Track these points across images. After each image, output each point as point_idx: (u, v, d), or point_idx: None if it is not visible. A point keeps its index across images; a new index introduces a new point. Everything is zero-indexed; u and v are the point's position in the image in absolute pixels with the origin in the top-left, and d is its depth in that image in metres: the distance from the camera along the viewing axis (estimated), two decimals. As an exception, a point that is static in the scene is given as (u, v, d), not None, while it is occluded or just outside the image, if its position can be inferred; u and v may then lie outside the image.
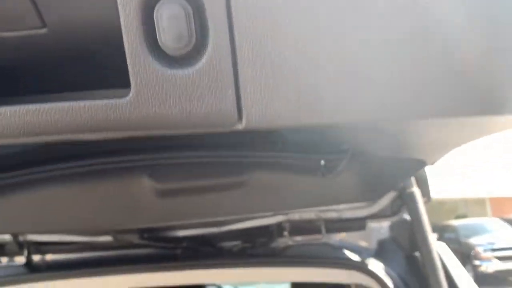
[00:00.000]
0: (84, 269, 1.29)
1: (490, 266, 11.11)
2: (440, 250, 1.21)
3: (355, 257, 1.24)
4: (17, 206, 1.22)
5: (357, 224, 1.30)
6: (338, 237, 1.32)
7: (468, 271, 9.61)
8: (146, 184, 1.17)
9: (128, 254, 1.36)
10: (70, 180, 1.18)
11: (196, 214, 1.20)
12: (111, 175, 1.18)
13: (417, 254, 1.22)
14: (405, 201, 1.16)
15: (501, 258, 11.02)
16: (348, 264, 1.23)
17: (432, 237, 1.13)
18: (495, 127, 0.57)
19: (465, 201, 20.98)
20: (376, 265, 1.21)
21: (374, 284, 1.20)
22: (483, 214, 18.45)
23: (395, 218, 1.29)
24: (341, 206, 1.20)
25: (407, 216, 1.25)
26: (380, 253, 1.28)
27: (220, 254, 1.32)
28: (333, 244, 1.30)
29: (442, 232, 13.56)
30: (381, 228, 1.33)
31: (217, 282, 1.37)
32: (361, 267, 1.21)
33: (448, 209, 21.16)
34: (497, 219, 13.87)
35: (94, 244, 1.36)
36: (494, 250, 11.20)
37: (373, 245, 1.31)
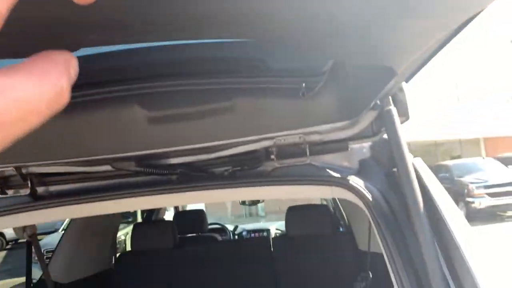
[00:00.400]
0: (85, 196, 1.38)
1: (482, 202, 11.48)
2: (417, 166, 1.29)
3: (337, 175, 1.33)
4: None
5: (340, 146, 1.38)
6: (322, 159, 1.40)
7: (460, 208, 9.91)
8: (138, 112, 1.23)
9: (127, 182, 1.45)
10: (64, 111, 1.24)
11: (187, 140, 1.27)
12: (104, 105, 1.24)
13: (395, 170, 1.30)
14: (383, 120, 1.23)
15: (492, 195, 11.37)
16: (330, 181, 1.32)
17: (408, 154, 1.21)
18: (458, 16, 0.60)
19: (460, 142, 21.26)
20: (356, 181, 1.30)
21: (355, 198, 1.29)
22: (478, 154, 18.73)
23: (375, 138, 1.36)
24: (324, 128, 1.27)
25: (386, 136, 1.32)
26: (361, 171, 1.37)
27: (212, 178, 1.41)
28: (317, 165, 1.38)
29: (436, 172, 13.87)
30: (363, 148, 1.41)
31: (211, 201, 1.46)
32: (343, 183, 1.30)
33: (444, 151, 21.49)
34: (490, 158, 14.14)
35: (94, 174, 1.45)
36: (486, 187, 11.53)
37: (355, 164, 1.40)
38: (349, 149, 1.40)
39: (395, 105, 1.21)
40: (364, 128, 1.33)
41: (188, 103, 1.22)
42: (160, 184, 1.39)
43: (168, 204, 1.44)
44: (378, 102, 1.19)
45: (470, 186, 11.73)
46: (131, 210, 1.48)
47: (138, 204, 1.41)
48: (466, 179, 12.12)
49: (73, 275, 2.51)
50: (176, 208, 4.28)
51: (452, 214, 1.21)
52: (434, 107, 19.59)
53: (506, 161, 13.74)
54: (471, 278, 1.08)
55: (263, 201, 4.94)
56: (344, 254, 2.63)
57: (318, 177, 1.33)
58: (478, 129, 19.75)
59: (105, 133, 1.27)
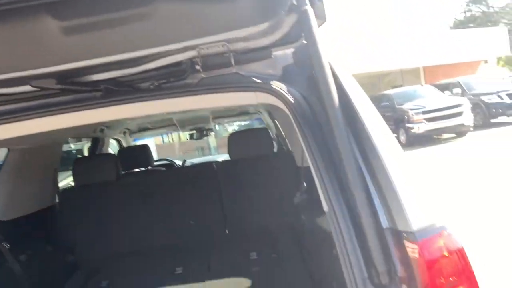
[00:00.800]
0: (5, 116, 1.34)
1: (421, 127, 12.18)
2: (334, 67, 1.34)
3: (262, 81, 1.37)
4: None
5: (263, 53, 1.41)
6: (248, 68, 1.42)
7: (401, 134, 10.44)
8: (49, 23, 1.18)
9: (50, 102, 1.41)
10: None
11: (106, 50, 1.23)
12: (12, 17, 1.17)
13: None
14: (301, 23, 1.25)
15: (429, 119, 12.06)
16: (255, 87, 1.35)
17: (325, 55, 1.26)
18: None
19: (402, 72, 22.02)
20: (279, 86, 1.34)
21: (278, 101, 1.34)
22: (418, 83, 19.51)
23: (296, 44, 1.40)
24: (245, 33, 1.28)
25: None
26: (284, 76, 1.41)
27: (139, 92, 1.40)
28: (243, 73, 1.40)
29: (378, 101, 14.43)
30: (286, 55, 1.45)
31: (138, 115, 1.46)
32: (266, 88, 1.34)
33: (388, 82, 22.22)
34: (428, 86, 14.82)
35: (15, 96, 1.40)
36: (424, 112, 12.17)
37: (278, 71, 1.44)
38: (272, 56, 1.43)
39: (311, 6, 1.23)
40: (284, 34, 1.35)
41: (103, 10, 1.18)
42: (84, 101, 1.37)
43: (95, 120, 1.42)
44: (295, 2, 1.21)
45: (410, 112, 12.33)
46: (55, 128, 1.44)
47: (62, 121, 1.39)
48: (406, 106, 12.70)
49: (14, 212, 2.48)
50: (120, 144, 4.24)
51: (366, 109, 1.29)
52: (377, 39, 19.96)
53: (443, 87, 14.47)
54: (381, 164, 1.18)
55: (210, 133, 4.96)
56: (284, 172, 2.76)
57: (243, 84, 1.36)
58: (418, 58, 20.49)
59: (16, 48, 1.21)
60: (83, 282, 2.51)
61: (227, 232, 2.85)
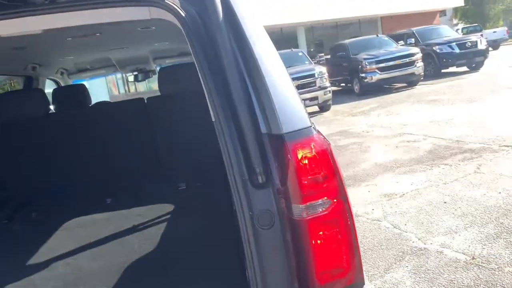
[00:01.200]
0: None
1: (374, 77, 12.40)
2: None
3: None
4: None
5: None
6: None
7: (355, 83, 10.61)
8: None
9: None
10: None
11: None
12: None
13: None
14: None
15: (382, 69, 12.28)
16: (148, 1, 1.36)
17: None
18: None
19: (359, 22, 22.07)
20: (173, 1, 1.36)
21: (171, 17, 1.36)
22: (375, 32, 19.68)
23: None
24: None
25: None
26: None
27: (31, 6, 1.38)
28: None
29: (335, 51, 14.52)
30: (183, -29, 1.45)
31: (30, 30, 1.44)
32: (159, 3, 1.35)
33: (348, 33, 22.30)
34: (383, 36, 14.97)
35: None
36: (377, 62, 12.35)
37: None
38: None
39: None
40: None
41: None
42: None
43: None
44: None
45: (364, 62, 12.48)
46: None
47: None
48: (360, 56, 12.82)
49: None
50: (57, 84, 4.12)
51: (251, 26, 1.33)
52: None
53: (398, 37, 14.67)
54: (261, 75, 1.25)
55: (152, 75, 4.86)
56: None
57: None
58: (376, 7, 20.56)
59: None
60: (10, 214, 2.53)
61: (159, 164, 2.92)
